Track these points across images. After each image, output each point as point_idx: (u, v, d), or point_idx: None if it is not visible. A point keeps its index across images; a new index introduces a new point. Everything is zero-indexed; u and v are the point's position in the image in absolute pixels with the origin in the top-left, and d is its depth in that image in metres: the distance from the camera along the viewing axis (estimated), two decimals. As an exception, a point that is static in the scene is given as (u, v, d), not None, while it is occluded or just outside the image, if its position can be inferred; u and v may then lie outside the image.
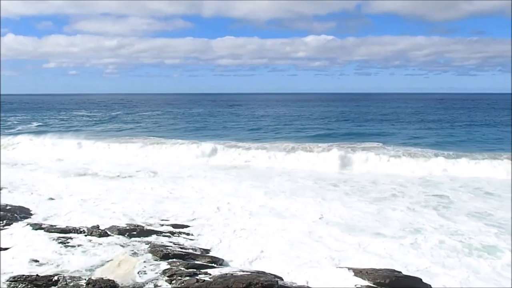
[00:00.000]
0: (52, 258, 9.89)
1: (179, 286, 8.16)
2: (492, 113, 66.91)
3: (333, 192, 18.35)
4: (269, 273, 9.16)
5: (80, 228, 11.90)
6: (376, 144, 30.27)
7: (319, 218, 14.31)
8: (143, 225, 12.79)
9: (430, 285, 9.06)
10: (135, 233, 11.83)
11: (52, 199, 16.27)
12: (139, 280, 8.60)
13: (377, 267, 9.50)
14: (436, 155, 24.99)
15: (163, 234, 12.16)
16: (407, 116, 62.72)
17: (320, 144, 29.77)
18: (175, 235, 12.25)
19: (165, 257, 9.67)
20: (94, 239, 11.24)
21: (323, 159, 25.20)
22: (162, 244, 10.81)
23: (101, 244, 10.93)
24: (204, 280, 8.17)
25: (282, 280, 9.02)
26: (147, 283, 8.46)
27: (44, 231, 11.70)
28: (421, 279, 9.04)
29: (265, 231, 12.84)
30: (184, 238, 12.09)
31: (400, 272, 9.20)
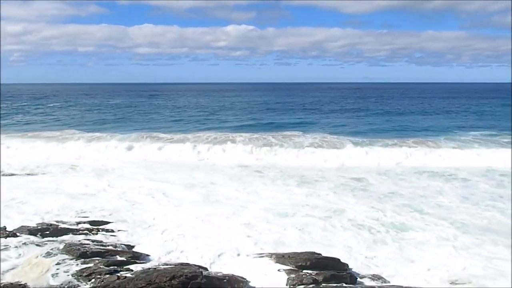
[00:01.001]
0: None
1: (99, 285, 7.81)
2: (404, 102, 71.51)
3: (259, 179, 18.70)
4: (193, 264, 9.10)
5: (-16, 231, 10.90)
6: (297, 133, 31.29)
7: (245, 206, 14.49)
8: (57, 223, 12.04)
9: (347, 264, 9.56)
10: (48, 232, 11.08)
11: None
12: (54, 282, 8.09)
13: (299, 251, 9.82)
14: (354, 143, 26.47)
15: (80, 232, 11.54)
16: (327, 105, 65.08)
17: (243, 134, 30.10)
18: (93, 232, 11.67)
19: (82, 256, 9.18)
20: (2, 241, 10.37)
21: (247, 149, 25.45)
22: (79, 242, 10.26)
23: (10, 246, 10.12)
24: (126, 277, 7.91)
25: (207, 270, 9.00)
26: (63, 285, 7.99)
27: None
28: (339, 260, 9.50)
29: (189, 223, 12.73)
30: (103, 235, 11.58)
31: (320, 254, 9.59)
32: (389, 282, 9.03)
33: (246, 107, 60.95)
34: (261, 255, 9.88)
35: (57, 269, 8.57)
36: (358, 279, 8.96)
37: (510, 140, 28.11)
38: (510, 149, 23.86)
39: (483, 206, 14.64)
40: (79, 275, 8.27)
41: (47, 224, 11.74)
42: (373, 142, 27.03)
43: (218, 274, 8.58)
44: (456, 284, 9.04)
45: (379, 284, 8.62)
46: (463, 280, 9.25)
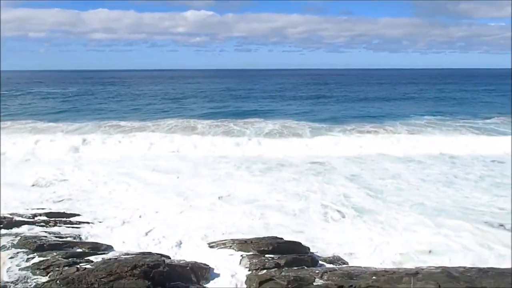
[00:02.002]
0: None
1: (57, 277, 7.61)
2: (363, 89, 72.69)
3: (223, 166, 18.67)
4: (155, 253, 9.03)
5: None
6: (258, 119, 31.40)
7: (208, 194, 14.47)
8: (11, 216, 11.59)
9: (308, 248, 9.77)
10: (1, 225, 10.67)
11: None
12: (9, 277, 7.82)
13: (261, 237, 9.94)
14: (314, 129, 26.85)
15: (36, 224, 11.17)
16: (289, 91, 65.21)
17: (204, 121, 29.91)
18: (50, 224, 11.32)
19: (39, 249, 8.91)
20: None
21: (210, 138, 25.30)
22: (35, 235, 9.95)
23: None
24: (86, 268, 7.74)
25: (170, 258, 8.97)
26: (19, 279, 7.73)
27: None
28: (300, 243, 9.69)
29: (151, 212, 12.60)
30: (61, 226, 11.26)
31: (282, 238, 9.75)
32: (347, 263, 9.31)
33: (208, 94, 60.20)
34: (224, 242, 9.93)
35: (13, 263, 8.30)
36: (320, 262, 9.19)
37: (462, 124, 29.50)
38: (462, 134, 25.02)
39: (439, 186, 15.33)
40: (36, 268, 8.03)
41: (1, 217, 11.28)
42: (333, 128, 27.59)
43: (181, 262, 8.57)
44: (410, 262, 9.43)
45: (339, 266, 8.86)
46: (418, 257, 9.68)
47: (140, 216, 12.21)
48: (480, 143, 22.87)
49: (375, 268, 8.11)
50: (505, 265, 8.80)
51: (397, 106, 43.27)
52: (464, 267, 7.69)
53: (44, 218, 11.74)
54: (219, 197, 14.10)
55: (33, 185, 15.49)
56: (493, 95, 56.10)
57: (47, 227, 11.07)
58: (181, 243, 10.27)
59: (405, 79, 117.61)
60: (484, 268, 7.66)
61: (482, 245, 10.35)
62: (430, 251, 10.01)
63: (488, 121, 31.08)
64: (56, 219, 11.72)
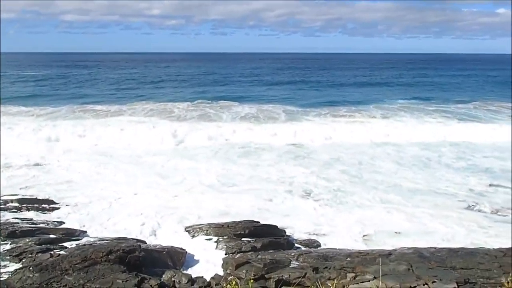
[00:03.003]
0: None
1: (31, 264, 7.49)
2: (337, 73, 72.48)
3: (201, 152, 18.52)
4: (131, 238, 8.98)
5: None
6: (234, 103, 31.34)
7: (186, 179, 14.37)
8: (-19, 203, 11.30)
9: (284, 231, 9.88)
10: (-29, 213, 10.41)
11: None
12: (-20, 264, 7.66)
13: (237, 221, 9.97)
14: (290, 113, 26.98)
15: (9, 210, 10.93)
16: (266, 76, 64.48)
17: (180, 104, 29.71)
18: (22, 210, 11.09)
19: (11, 235, 8.74)
20: None
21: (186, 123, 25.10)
22: (7, 221, 9.74)
23: None
24: (60, 254, 7.64)
25: (145, 243, 8.93)
26: (-9, 266, 7.58)
27: None
28: (276, 226, 9.79)
29: (127, 197, 12.47)
30: (34, 212, 11.03)
31: (258, 222, 9.81)
32: (325, 244, 9.46)
33: (185, 79, 59.21)
34: (200, 226, 9.93)
35: (-17, 250, 8.12)
36: (295, 244, 9.31)
37: (435, 108, 30.08)
38: (434, 120, 25.59)
39: (415, 169, 15.70)
40: (8, 255, 7.89)
41: (-30, 204, 11.00)
42: (307, 112, 27.79)
43: (157, 247, 8.55)
44: (384, 242, 9.66)
45: (314, 248, 8.99)
46: (391, 237, 9.92)
47: (116, 201, 12.06)
48: (452, 129, 23.35)
49: (349, 250, 8.28)
50: (473, 244, 9.11)
51: (374, 91, 43.44)
52: (435, 248, 7.93)
53: (16, 204, 11.48)
54: (200, 181, 14.03)
55: (2, 171, 15.07)
56: (471, 81, 57.43)
57: (19, 213, 10.84)
58: (158, 228, 10.23)
59: (381, 64, 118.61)
60: (454, 248, 7.91)
61: (452, 225, 10.69)
62: (399, 233, 10.27)
63: (460, 105, 31.83)
64: (28, 205, 11.48)
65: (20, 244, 8.26)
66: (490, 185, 13.92)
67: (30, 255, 7.81)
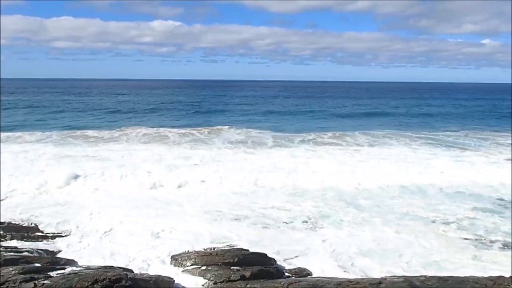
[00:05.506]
0: None
1: (13, 294, 7.28)
2: (332, 103, 72.87)
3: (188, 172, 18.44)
4: (118, 267, 8.79)
5: None
6: (225, 127, 32.90)
7: (174, 206, 14.26)
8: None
9: (274, 259, 9.77)
10: (-47, 241, 10.15)
11: None
12: (-40, 294, 7.42)
13: (226, 248, 9.86)
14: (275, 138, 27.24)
15: (-8, 238, 10.68)
16: (257, 105, 64.77)
17: (172, 130, 30.47)
18: (6, 238, 10.85)
19: (-7, 264, 8.50)
20: None
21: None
22: (-10, 250, 9.49)
23: None
24: (44, 284, 7.44)
25: (132, 272, 8.75)
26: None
27: None
28: (266, 254, 9.68)
29: (114, 225, 12.27)
30: (18, 240, 10.80)
31: (248, 250, 9.71)
32: (312, 274, 9.36)
33: (176, 107, 58.89)
34: (188, 254, 9.78)
35: (-36, 280, 7.87)
36: (285, 273, 9.19)
37: (423, 135, 30.50)
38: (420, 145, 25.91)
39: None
40: (-11, 285, 7.65)
41: (-48, 232, 10.74)
42: (294, 137, 28.69)
43: (144, 276, 8.37)
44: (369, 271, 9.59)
45: (304, 277, 8.89)
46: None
47: (103, 230, 11.85)
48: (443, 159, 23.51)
49: (339, 279, 8.19)
50: (464, 272, 9.08)
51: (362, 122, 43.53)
52: (425, 276, 7.89)
53: None
54: (188, 210, 13.92)
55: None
56: (461, 109, 58.90)
57: (2, 241, 10.60)
58: (145, 257, 10.05)
59: (369, 92, 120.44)
60: (444, 276, 7.88)
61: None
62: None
63: (449, 133, 32.35)
64: (12, 233, 11.23)
65: (3, 274, 8.02)
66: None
67: (13, 285, 7.57)
